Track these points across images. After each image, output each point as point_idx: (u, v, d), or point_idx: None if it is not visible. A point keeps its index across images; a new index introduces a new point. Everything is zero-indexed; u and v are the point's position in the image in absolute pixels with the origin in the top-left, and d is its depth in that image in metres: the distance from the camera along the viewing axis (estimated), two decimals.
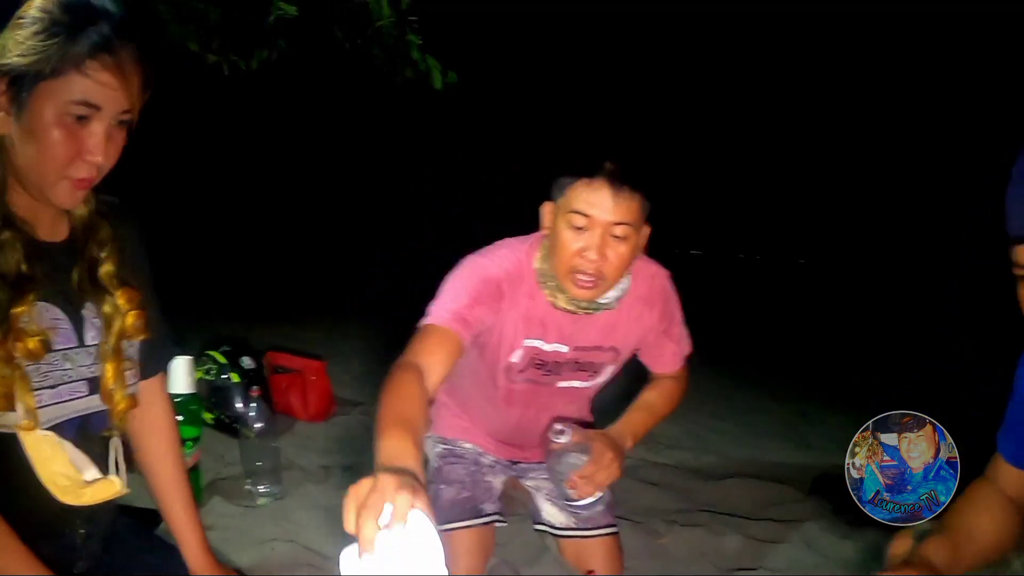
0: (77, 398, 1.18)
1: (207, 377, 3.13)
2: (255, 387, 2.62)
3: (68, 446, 1.18)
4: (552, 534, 2.08)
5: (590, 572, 1.87)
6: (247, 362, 3.22)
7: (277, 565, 1.97)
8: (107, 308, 1.22)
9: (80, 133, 1.06)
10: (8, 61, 1.03)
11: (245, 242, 11.69)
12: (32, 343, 1.09)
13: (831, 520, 2.52)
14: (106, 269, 1.22)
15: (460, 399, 2.12)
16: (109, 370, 1.21)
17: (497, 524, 2.06)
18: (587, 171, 1.54)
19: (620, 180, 1.51)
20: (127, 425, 1.30)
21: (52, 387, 1.14)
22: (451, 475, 2.07)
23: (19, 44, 1.03)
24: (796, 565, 2.33)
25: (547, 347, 1.79)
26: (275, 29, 3.40)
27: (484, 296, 1.65)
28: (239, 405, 3.09)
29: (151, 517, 1.59)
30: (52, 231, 1.19)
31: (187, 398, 2.33)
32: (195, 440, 2.34)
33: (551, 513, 2.07)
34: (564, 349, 1.80)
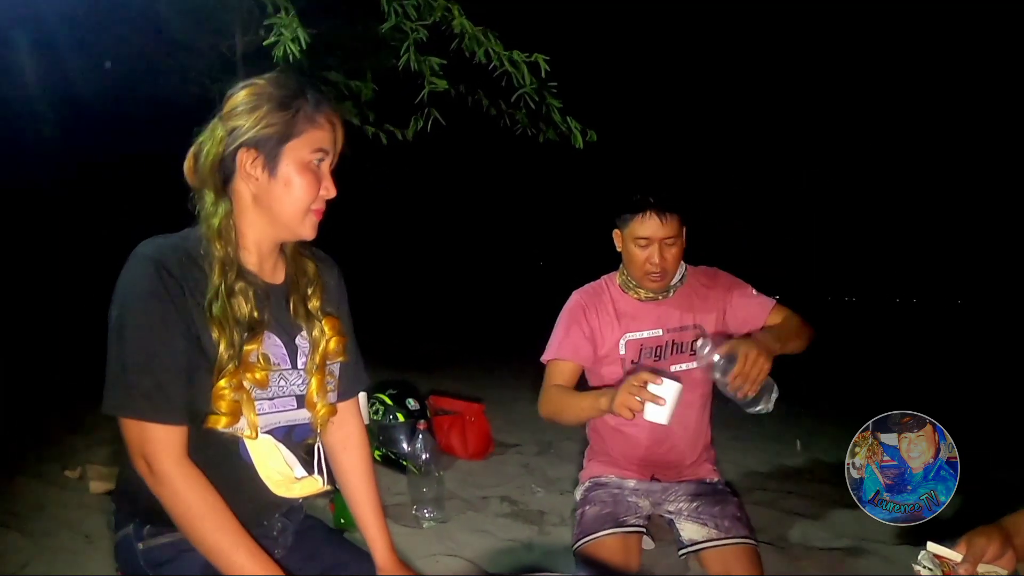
0: (288, 410, 1.44)
1: (375, 417, 3.43)
2: (422, 420, 2.85)
3: (283, 448, 1.43)
4: (695, 551, 2.16)
5: None
6: (412, 403, 3.50)
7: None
8: (315, 333, 1.49)
9: (318, 175, 1.38)
10: (250, 136, 1.31)
11: (409, 295, 12.36)
12: (259, 374, 1.37)
13: None
14: (313, 303, 1.51)
15: (600, 440, 2.36)
16: (314, 383, 1.47)
17: (644, 542, 2.18)
18: (640, 209, 2.13)
19: (662, 210, 2.11)
20: (326, 432, 1.54)
21: (270, 399, 1.40)
22: (596, 499, 2.26)
23: (259, 121, 1.30)
24: None
25: (645, 334, 2.28)
26: (427, 101, 3.72)
27: (573, 320, 2.27)
28: (404, 442, 3.37)
29: None
30: (274, 275, 1.48)
31: None
32: None
33: (692, 530, 2.17)
34: (659, 332, 2.27)
